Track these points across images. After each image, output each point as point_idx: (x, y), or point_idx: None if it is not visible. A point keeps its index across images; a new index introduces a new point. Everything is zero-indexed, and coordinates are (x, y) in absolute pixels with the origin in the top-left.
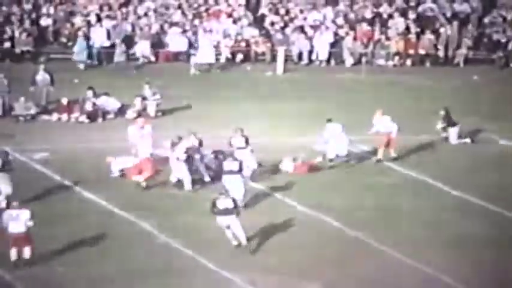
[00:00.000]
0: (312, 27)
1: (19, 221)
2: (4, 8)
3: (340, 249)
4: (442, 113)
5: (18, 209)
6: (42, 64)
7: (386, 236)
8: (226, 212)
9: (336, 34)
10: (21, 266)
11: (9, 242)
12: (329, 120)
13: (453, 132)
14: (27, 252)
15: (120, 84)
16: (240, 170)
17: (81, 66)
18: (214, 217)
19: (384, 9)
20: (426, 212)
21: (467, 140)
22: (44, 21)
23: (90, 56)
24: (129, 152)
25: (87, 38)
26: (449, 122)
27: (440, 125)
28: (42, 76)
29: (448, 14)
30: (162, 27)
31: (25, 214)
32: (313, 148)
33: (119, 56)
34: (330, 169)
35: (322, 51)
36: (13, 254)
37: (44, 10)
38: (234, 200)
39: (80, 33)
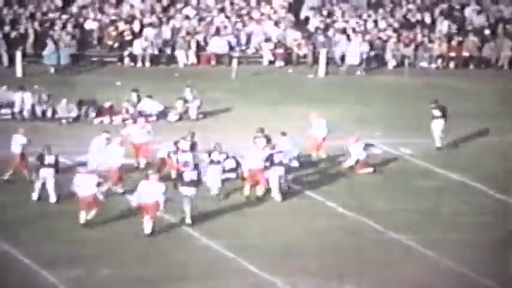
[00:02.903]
0: (353, 30)
1: (153, 191)
2: (51, 15)
3: (381, 252)
4: (433, 105)
5: (156, 180)
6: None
7: (428, 238)
8: (190, 183)
9: (378, 38)
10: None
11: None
12: (283, 134)
13: (439, 123)
14: (150, 223)
15: (163, 87)
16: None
17: (52, 69)
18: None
19: (428, 14)
20: (469, 214)
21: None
22: (88, 25)
23: (59, 59)
24: None
25: (55, 42)
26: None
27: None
28: None
29: (492, 19)
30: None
31: (160, 187)
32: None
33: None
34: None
35: (352, 54)
36: (147, 226)
37: (91, 15)
38: (198, 174)
39: (49, 37)
